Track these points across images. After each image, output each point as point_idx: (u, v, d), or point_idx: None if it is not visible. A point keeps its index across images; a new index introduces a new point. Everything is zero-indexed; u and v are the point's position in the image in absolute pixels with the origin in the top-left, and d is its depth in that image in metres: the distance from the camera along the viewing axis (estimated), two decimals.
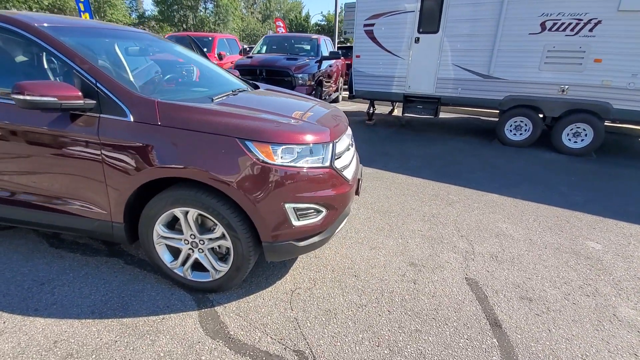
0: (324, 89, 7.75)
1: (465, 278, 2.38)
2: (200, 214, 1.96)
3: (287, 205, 1.90)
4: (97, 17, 29.06)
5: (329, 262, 2.52)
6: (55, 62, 1.98)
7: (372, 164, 4.73)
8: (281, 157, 1.88)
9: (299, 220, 1.97)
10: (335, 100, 10.28)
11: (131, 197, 1.97)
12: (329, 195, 2.05)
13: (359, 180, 2.47)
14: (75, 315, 1.94)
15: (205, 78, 3.03)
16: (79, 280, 2.23)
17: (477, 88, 5.80)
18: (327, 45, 8.46)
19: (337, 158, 2.20)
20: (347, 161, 2.34)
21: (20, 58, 2.09)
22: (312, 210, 2.01)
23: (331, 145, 2.10)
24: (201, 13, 39.63)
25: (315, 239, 2.08)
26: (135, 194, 1.99)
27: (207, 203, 1.88)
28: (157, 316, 1.96)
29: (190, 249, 2.08)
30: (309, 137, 2.00)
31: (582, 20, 4.78)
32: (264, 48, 8.09)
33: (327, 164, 2.06)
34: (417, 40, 6.09)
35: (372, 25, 6.40)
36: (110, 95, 1.89)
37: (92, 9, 28.83)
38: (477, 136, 6.63)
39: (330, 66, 8.25)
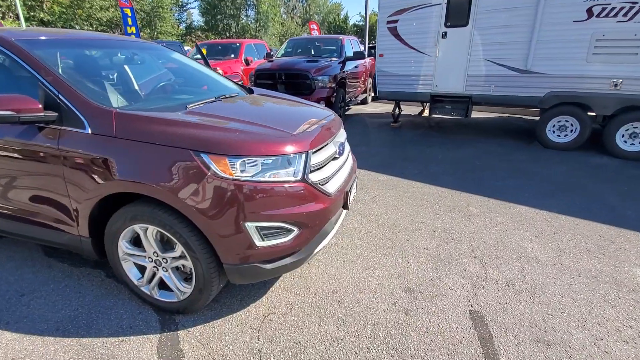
0: (348, 90, 7.48)
1: (470, 311, 2.02)
2: (159, 231, 1.83)
3: (248, 224, 1.70)
4: (149, 30, 31.19)
5: (312, 284, 2.28)
6: (27, 74, 1.95)
7: (387, 170, 4.39)
8: (240, 171, 1.69)
9: (264, 240, 1.76)
10: (364, 102, 9.94)
11: (94, 211, 1.89)
12: (300, 212, 1.82)
13: (347, 192, 2.21)
14: (40, 331, 1.89)
15: (192, 84, 2.93)
16: (57, 292, 2.20)
17: (513, 85, 5.20)
18: (352, 46, 8.18)
19: (316, 169, 1.97)
20: (330, 172, 2.09)
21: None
22: (280, 230, 1.79)
23: (304, 155, 1.86)
24: (243, 21, 41.04)
25: (287, 260, 1.86)
26: (101, 208, 1.91)
27: (164, 220, 1.74)
28: (117, 338, 1.85)
29: (154, 267, 1.96)
30: (276, 148, 1.78)
31: (637, 3, 4.06)
32: (288, 51, 8.01)
33: (299, 177, 1.83)
34: (444, 35, 5.61)
35: (396, 21, 6.03)
36: (71, 106, 1.82)
37: (145, 22, 30.98)
38: (514, 138, 5.97)
39: (356, 67, 7.96)
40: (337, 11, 53.31)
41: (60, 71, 1.94)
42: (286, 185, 1.78)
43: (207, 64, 3.67)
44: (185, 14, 42.86)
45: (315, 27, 19.09)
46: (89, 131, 1.79)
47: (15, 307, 2.07)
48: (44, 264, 2.50)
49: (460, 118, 6.07)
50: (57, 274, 2.39)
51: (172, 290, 1.97)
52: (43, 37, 2.21)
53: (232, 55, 8.88)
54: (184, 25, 41.38)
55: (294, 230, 1.83)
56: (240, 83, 3.33)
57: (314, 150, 1.96)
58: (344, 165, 2.38)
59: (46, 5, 26.39)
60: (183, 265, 1.91)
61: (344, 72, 7.15)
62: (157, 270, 1.96)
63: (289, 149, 1.82)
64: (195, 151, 1.67)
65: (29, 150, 1.89)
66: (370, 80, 9.76)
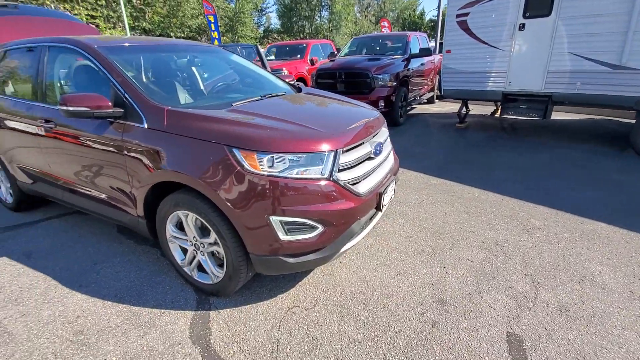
0: (412, 89, 7.20)
1: (508, 332, 1.82)
2: (197, 218, 2.00)
3: (273, 218, 1.77)
4: (230, 34, 33.77)
5: (340, 283, 2.27)
6: (103, 76, 2.29)
7: (442, 174, 4.14)
8: (268, 166, 1.76)
9: (287, 234, 1.82)
10: (430, 101, 9.47)
11: (148, 196, 2.14)
12: (325, 210, 1.83)
13: (380, 194, 2.15)
14: (103, 296, 2.22)
15: (244, 83, 3.11)
16: (121, 264, 2.55)
17: (604, 82, 4.47)
18: (419, 42, 7.84)
19: (346, 168, 1.96)
20: (363, 172, 2.06)
21: (83, 73, 2.50)
22: (304, 226, 1.83)
23: (333, 154, 1.87)
24: (317, 22, 41.99)
25: (310, 256, 1.89)
26: (155, 194, 2.15)
27: (200, 208, 1.90)
28: (159, 310, 2.08)
29: (194, 250, 2.15)
30: (305, 145, 1.82)
31: None
32: (352, 50, 8.00)
33: (327, 175, 1.84)
34: (521, 27, 5.06)
35: (466, 15, 5.62)
36: (133, 104, 2.09)
37: (227, 27, 33.55)
38: (604, 144, 5.14)
39: (421, 64, 7.62)
40: (413, 7, 51.42)
41: (127, 73, 2.23)
42: (313, 182, 1.81)
43: (263, 65, 3.86)
44: (264, 17, 45.28)
45: (387, 25, 18.69)
46: (146, 126, 2.03)
47: (88, 273, 2.46)
48: (116, 240, 2.90)
49: (538, 119, 5.42)
50: (124, 248, 2.77)
51: (208, 273, 2.14)
52: (121, 44, 2.56)
53: (298, 56, 9.18)
54: (262, 28, 43.82)
55: (318, 228, 1.85)
56: (292, 82, 3.44)
57: (345, 149, 1.95)
58: (381, 166, 2.32)
59: (148, 16, 30.24)
60: (217, 252, 2.06)
61: (407, 70, 6.90)
62: (197, 253, 2.15)
63: (318, 147, 1.84)
64: (228, 146, 1.79)
65: (102, 141, 2.21)
66: (438, 78, 9.25)
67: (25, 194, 3.22)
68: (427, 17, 48.83)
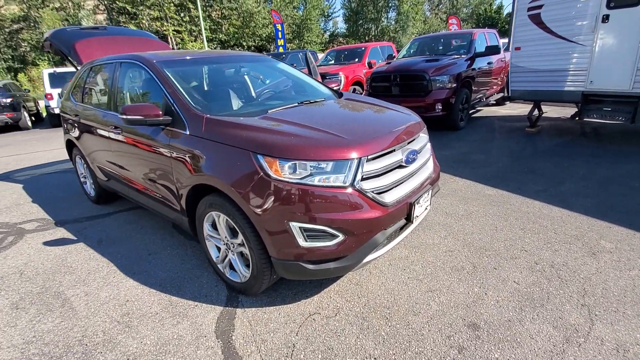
0: (476, 90, 6.70)
1: None
2: (227, 219, 2.11)
3: (292, 224, 1.80)
4: (297, 41, 34.99)
5: (366, 294, 2.21)
6: (159, 87, 2.55)
7: (500, 184, 3.78)
8: (290, 173, 1.80)
9: (307, 241, 1.84)
10: (500, 103, 8.71)
11: (189, 196, 2.33)
12: (346, 218, 1.81)
13: (410, 204, 2.05)
14: (150, 284, 2.47)
15: (286, 91, 3.20)
16: (170, 256, 2.81)
17: None
18: (487, 40, 7.26)
19: (372, 176, 1.91)
20: (391, 180, 1.99)
21: (146, 85, 2.81)
22: (324, 233, 1.83)
23: (356, 162, 1.84)
24: (383, 23, 41.45)
25: (331, 264, 1.88)
26: (196, 194, 2.33)
27: (229, 210, 2.01)
28: (194, 302, 2.25)
29: (226, 249, 2.28)
30: (327, 153, 1.82)
31: None
32: (412, 51, 7.72)
33: (349, 183, 1.82)
34: (605, 18, 4.39)
35: (539, 7, 5.06)
36: (179, 112, 2.30)
37: (295, 34, 34.82)
38: None
39: (489, 63, 7.05)
40: (489, 1, 47.78)
41: (177, 84, 2.46)
42: (334, 190, 1.80)
43: (309, 71, 3.93)
44: (330, 22, 46.02)
45: (455, 22, 17.67)
46: (188, 132, 2.22)
47: (142, 262, 2.76)
48: (170, 234, 3.21)
49: (625, 123, 4.65)
50: (175, 242, 3.05)
51: (237, 272, 2.25)
52: (177, 58, 2.83)
53: (356, 60, 9.15)
54: (329, 33, 44.56)
55: (338, 236, 1.83)
56: (336, 88, 3.45)
57: (370, 156, 1.90)
58: (415, 175, 2.22)
59: (224, 28, 32.83)
60: (245, 252, 2.16)
61: (472, 69, 6.45)
62: (228, 252, 2.27)
63: (341, 154, 1.83)
64: (254, 152, 1.86)
65: (155, 145, 2.47)
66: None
67: (103, 189, 3.73)
68: (506, 12, 44.95)
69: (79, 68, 3.89)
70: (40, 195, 4.50)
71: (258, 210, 1.84)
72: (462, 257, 2.53)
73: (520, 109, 8.09)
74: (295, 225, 1.81)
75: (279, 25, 16.79)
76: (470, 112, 7.31)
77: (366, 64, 8.93)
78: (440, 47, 7.46)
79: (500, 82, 7.98)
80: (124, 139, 2.82)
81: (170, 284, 2.45)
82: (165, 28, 29.18)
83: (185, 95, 2.38)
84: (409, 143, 2.22)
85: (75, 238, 3.24)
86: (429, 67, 5.98)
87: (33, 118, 12.15)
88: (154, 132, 2.48)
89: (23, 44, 29.42)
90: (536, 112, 5.95)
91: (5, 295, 2.43)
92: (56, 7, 31.57)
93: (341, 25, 47.94)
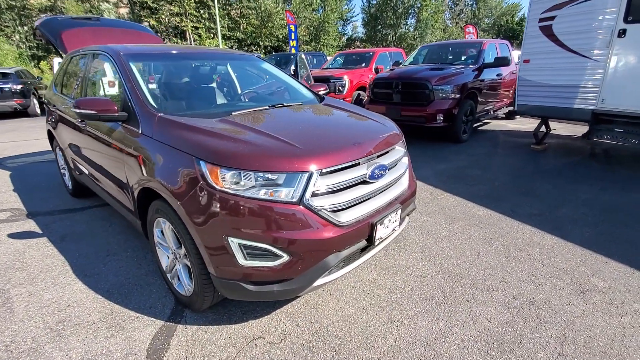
0: (483, 102, 6.42)
1: None
2: (172, 228, 1.95)
3: (231, 240, 1.63)
4: (314, 43, 34.96)
5: (320, 319, 2.01)
6: (120, 80, 2.41)
7: (491, 204, 3.53)
8: (232, 183, 1.62)
9: (247, 259, 1.66)
10: (509, 116, 8.38)
11: (140, 198, 2.17)
12: (292, 238, 1.63)
13: (372, 225, 1.85)
14: (98, 288, 2.32)
15: (264, 92, 3.03)
16: (128, 259, 2.67)
17: None
18: (498, 51, 6.97)
19: (326, 192, 1.72)
20: (349, 198, 1.79)
21: (111, 78, 2.69)
22: (266, 252, 1.64)
23: (307, 175, 1.65)
24: (402, 30, 41.14)
25: (274, 287, 1.70)
26: (147, 197, 2.18)
27: (172, 218, 1.85)
28: (136, 313, 2.09)
29: (174, 258, 2.12)
30: (274, 163, 1.64)
31: None
32: (419, 58, 7.48)
33: (296, 198, 1.63)
34: (621, 33, 4.09)
35: (552, 18, 4.78)
36: (134, 109, 2.16)
37: (312, 36, 34.76)
38: None
39: (498, 75, 6.76)
40: (512, 12, 46.95)
41: (138, 80, 2.31)
42: (280, 205, 1.62)
43: (295, 73, 3.76)
44: (348, 26, 45.88)
45: (472, 31, 17.28)
46: (140, 131, 2.07)
47: (97, 264, 2.62)
48: (136, 234, 3.07)
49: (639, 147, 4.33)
50: (138, 244, 2.90)
51: (182, 284, 2.09)
52: (149, 52, 2.70)
53: (363, 64, 8.96)
54: (347, 37, 44.44)
55: (283, 256, 1.65)
56: (324, 92, 3.27)
57: (326, 170, 1.71)
58: (382, 192, 2.01)
59: (242, 27, 33.06)
60: (188, 265, 1.99)
61: (479, 80, 6.18)
62: (175, 262, 2.11)
63: (289, 166, 1.65)
64: (197, 158, 1.70)
65: (111, 141, 2.34)
66: None
67: (78, 183, 3.63)
68: None
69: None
70: (23, 184, 4.44)
71: (196, 222, 1.67)
72: (435, 284, 2.30)
73: (530, 124, 7.75)
74: (234, 242, 1.63)
75: (292, 26, 16.73)
76: (476, 125, 7.04)
77: (373, 70, 8.72)
78: (449, 56, 7.20)
79: (510, 95, 7.66)
80: (88, 132, 2.70)
81: (118, 291, 2.30)
82: (184, 24, 29.54)
83: (144, 92, 2.23)
84: (378, 156, 2.02)
85: (41, 232, 3.14)
86: (432, 76, 5.74)
87: (44, 106, 12.36)
88: (113, 127, 2.35)
89: None
90: (543, 128, 5.65)
91: None
92: None
93: (360, 30, 47.74)
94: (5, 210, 3.64)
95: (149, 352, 1.80)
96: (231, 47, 32.39)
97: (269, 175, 1.63)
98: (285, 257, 1.65)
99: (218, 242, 1.65)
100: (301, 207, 1.64)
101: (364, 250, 1.94)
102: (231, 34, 31.92)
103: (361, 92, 8.42)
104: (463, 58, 6.76)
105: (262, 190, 1.62)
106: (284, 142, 1.79)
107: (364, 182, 1.90)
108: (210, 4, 30.32)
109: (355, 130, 2.16)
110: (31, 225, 3.27)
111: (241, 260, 1.65)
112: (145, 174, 1.99)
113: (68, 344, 1.86)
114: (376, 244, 1.95)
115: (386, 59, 9.29)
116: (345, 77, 8.09)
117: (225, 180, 1.62)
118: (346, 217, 1.78)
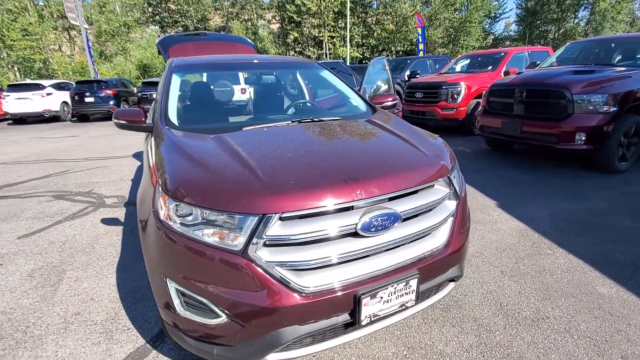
0: None
1: None
2: None
3: (169, 282, 1.38)
4: (451, 45, 32.26)
5: None
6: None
7: (632, 282, 2.28)
8: (177, 216, 1.37)
9: (184, 308, 1.38)
10: None
11: None
12: (230, 297, 1.27)
13: (357, 297, 1.32)
14: (121, 288, 2.43)
15: (300, 103, 2.68)
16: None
17: None
18: None
19: (294, 244, 1.30)
20: (326, 255, 1.32)
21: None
22: (204, 307, 1.33)
23: (257, 219, 1.26)
24: (568, 25, 34.03)
25: (213, 348, 1.38)
26: None
27: None
28: (130, 324, 2.06)
29: None
30: (220, 199, 1.32)
31: None
32: (566, 58, 5.77)
33: (239, 247, 1.27)
34: None
35: None
36: (154, 119, 2.16)
37: (451, 38, 32.17)
38: None
39: None
40: None
41: (169, 91, 2.31)
42: (222, 253, 1.29)
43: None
44: (496, 24, 40.82)
45: None
46: (153, 142, 2.04)
47: (137, 261, 2.78)
48: None
49: None
50: None
51: None
52: (197, 62, 2.72)
53: (490, 68, 7.54)
54: (494, 36, 39.55)
55: (221, 316, 1.31)
56: (386, 104, 2.74)
57: (288, 214, 1.28)
58: (385, 251, 1.43)
59: (376, 33, 33.25)
60: None
61: None
62: None
63: (236, 204, 1.29)
64: (161, 180, 1.51)
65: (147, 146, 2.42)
66: None
67: None
68: None
69: None
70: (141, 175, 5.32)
71: (144, 253, 1.49)
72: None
73: None
74: (172, 285, 1.37)
75: (420, 29, 15.69)
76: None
77: (502, 74, 7.25)
78: (614, 55, 5.30)
79: None
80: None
81: (133, 295, 2.36)
82: (321, 34, 31.68)
83: (167, 103, 2.21)
84: (391, 199, 1.44)
85: (123, 221, 3.61)
86: (574, 81, 4.27)
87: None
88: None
89: None
90: None
91: (31, 262, 2.84)
92: (245, 18, 38.47)
93: (513, 28, 41.78)
94: (115, 196, 4.39)
95: None
96: (363, 54, 32.99)
97: (215, 214, 1.30)
98: (224, 318, 1.30)
99: (159, 281, 1.42)
100: (245, 260, 1.26)
101: (349, 326, 1.41)
102: (364, 41, 32.50)
103: (480, 101, 7.10)
104: (633, 58, 4.85)
105: (207, 231, 1.31)
106: (250, 171, 1.42)
107: (354, 234, 1.36)
108: (348, 13, 31.63)
109: (367, 159, 1.62)
110: (121, 214, 3.81)
111: (179, 308, 1.38)
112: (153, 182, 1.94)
113: (65, 339, 1.95)
114: (363, 323, 1.38)
115: (522, 61, 7.60)
116: (462, 84, 6.95)
117: (171, 212, 1.38)
118: (314, 280, 1.30)
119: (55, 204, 4.11)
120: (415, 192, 1.54)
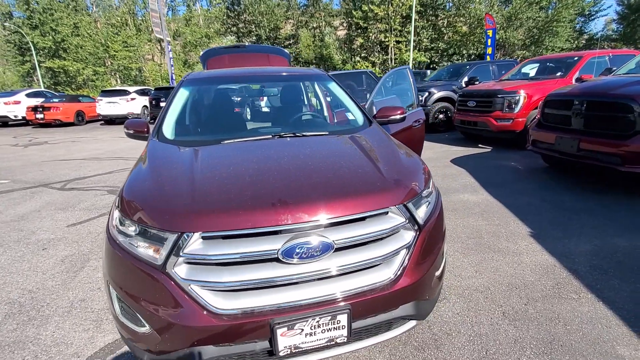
0: None
1: None
2: None
3: (111, 288, 1.49)
4: (533, 47, 29.24)
5: None
6: None
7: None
8: (121, 226, 1.47)
9: (121, 313, 1.48)
10: None
11: None
12: (150, 308, 1.34)
13: (271, 326, 1.29)
14: None
15: (292, 118, 2.64)
16: None
17: None
18: None
19: (213, 264, 1.32)
20: (243, 279, 1.32)
21: None
22: (134, 314, 1.41)
23: (175, 237, 1.30)
24: None
25: (144, 354, 1.44)
26: None
27: None
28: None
29: None
30: (147, 214, 1.39)
31: None
32: None
33: (159, 262, 1.32)
34: None
35: None
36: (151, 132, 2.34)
37: (534, 39, 29.15)
38: None
39: None
40: None
41: (171, 103, 2.48)
42: (146, 266, 1.35)
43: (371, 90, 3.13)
44: (590, 23, 36.00)
45: None
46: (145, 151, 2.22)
47: None
48: None
49: None
50: None
51: None
52: (210, 76, 2.88)
53: (559, 74, 6.65)
54: (590, 36, 34.88)
55: (145, 326, 1.37)
56: (393, 117, 2.61)
57: (210, 234, 1.30)
58: (309, 282, 1.36)
59: (447, 36, 31.61)
60: None
61: None
62: None
63: (160, 220, 1.35)
64: (119, 191, 1.64)
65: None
66: None
67: None
68: None
69: None
70: None
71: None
72: None
73: None
74: (113, 292, 1.48)
75: (490, 31, 14.48)
76: None
77: (573, 80, 6.35)
78: None
79: None
80: None
81: None
82: (387, 39, 31.15)
83: (164, 115, 2.38)
84: (329, 226, 1.37)
85: None
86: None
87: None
88: None
89: (290, 55, 38.63)
90: None
91: (68, 248, 3.26)
92: (313, 26, 39.61)
93: (613, 26, 36.36)
94: None
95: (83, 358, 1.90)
96: (431, 58, 31.61)
97: (144, 228, 1.37)
98: (147, 328, 1.36)
99: (105, 286, 1.54)
100: (163, 275, 1.30)
101: (271, 354, 1.36)
102: (433, 44, 31.14)
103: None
104: None
105: (142, 244, 1.38)
106: (187, 188, 1.47)
107: (277, 260, 1.32)
108: (416, 17, 30.66)
109: (314, 181, 1.55)
110: None
111: (117, 311, 1.48)
112: None
113: (64, 323, 2.20)
114: (282, 354, 1.32)
115: (602, 67, 6.56)
116: (521, 92, 6.26)
117: (115, 222, 1.49)
118: (229, 303, 1.29)
119: (106, 198, 4.69)
120: (363, 219, 1.43)
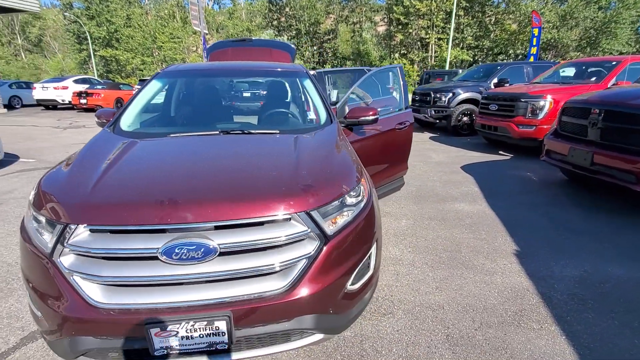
0: None
1: None
2: None
3: (23, 272, 1.55)
4: (589, 49, 26.85)
5: None
6: None
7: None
8: (29, 214, 1.53)
9: (29, 295, 1.53)
10: None
11: None
12: (38, 294, 1.39)
13: (146, 325, 1.28)
14: None
15: (258, 115, 2.59)
16: None
17: None
18: None
19: (98, 257, 1.34)
20: (123, 275, 1.32)
21: None
22: (32, 299, 1.47)
23: (61, 227, 1.33)
24: None
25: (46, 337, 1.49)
26: None
27: None
28: None
29: None
30: (48, 204, 1.44)
31: None
32: None
33: (47, 250, 1.36)
34: None
35: None
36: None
37: (590, 40, 26.81)
38: None
39: None
40: None
41: (140, 93, 2.54)
42: (37, 252, 1.40)
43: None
44: None
45: None
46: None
47: None
48: None
49: None
50: None
51: None
52: (186, 69, 2.91)
53: (593, 79, 6.04)
54: None
55: (38, 312, 1.42)
56: (364, 119, 2.51)
57: (97, 227, 1.31)
58: (191, 284, 1.32)
59: (493, 35, 29.90)
60: None
61: None
62: None
63: (52, 210, 1.39)
64: None
65: None
66: None
67: None
68: None
69: None
70: None
71: None
72: None
73: None
74: (24, 279, 1.54)
75: (536, 29, 13.45)
76: None
77: (608, 86, 5.75)
78: None
79: None
80: None
81: None
82: (428, 36, 30.07)
83: (127, 106, 2.43)
84: (219, 227, 1.33)
85: None
86: None
87: None
88: None
89: (328, 50, 38.45)
90: None
91: None
92: (354, 21, 39.13)
93: None
94: None
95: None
96: (474, 57, 30.09)
97: (42, 216, 1.41)
98: (40, 314, 1.40)
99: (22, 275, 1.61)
100: (50, 263, 1.33)
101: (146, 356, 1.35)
102: (477, 42, 29.60)
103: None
104: None
105: (43, 232, 1.42)
106: (91, 180, 1.49)
107: (160, 260, 1.30)
108: (461, 13, 29.31)
109: (219, 181, 1.51)
110: None
111: (28, 299, 1.54)
112: None
113: (24, 298, 2.35)
114: (157, 354, 1.30)
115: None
116: (547, 97, 5.75)
117: (30, 210, 1.54)
118: (109, 298, 1.29)
119: None
120: (261, 223, 1.37)
